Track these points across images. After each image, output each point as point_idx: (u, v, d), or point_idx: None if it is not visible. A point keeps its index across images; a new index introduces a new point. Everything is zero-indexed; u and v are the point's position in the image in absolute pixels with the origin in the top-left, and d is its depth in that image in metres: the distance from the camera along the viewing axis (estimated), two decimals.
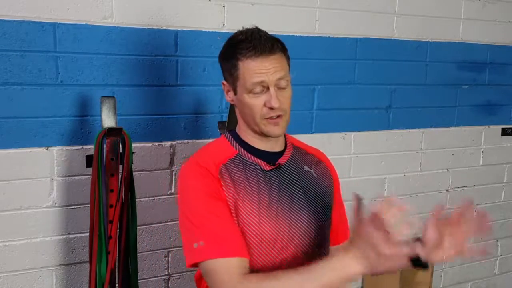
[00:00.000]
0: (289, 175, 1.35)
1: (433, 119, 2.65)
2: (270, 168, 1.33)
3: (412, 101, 2.57)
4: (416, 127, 2.62)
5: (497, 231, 3.00)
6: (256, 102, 1.27)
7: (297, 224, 1.31)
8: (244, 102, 1.29)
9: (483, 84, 2.78)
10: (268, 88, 1.26)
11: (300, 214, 1.32)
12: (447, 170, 2.76)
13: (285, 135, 1.41)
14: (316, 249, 1.34)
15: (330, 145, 2.34)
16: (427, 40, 2.56)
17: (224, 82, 1.34)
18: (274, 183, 1.32)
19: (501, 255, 3.06)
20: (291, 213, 1.30)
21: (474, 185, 2.86)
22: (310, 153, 1.45)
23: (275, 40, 1.29)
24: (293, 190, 1.33)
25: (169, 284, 2.10)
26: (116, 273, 1.70)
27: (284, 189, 1.32)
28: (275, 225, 1.28)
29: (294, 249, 1.30)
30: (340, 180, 1.49)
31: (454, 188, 2.80)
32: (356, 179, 2.46)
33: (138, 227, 1.79)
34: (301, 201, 1.33)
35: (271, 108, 1.26)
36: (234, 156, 1.34)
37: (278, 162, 1.34)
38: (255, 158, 1.33)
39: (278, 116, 1.28)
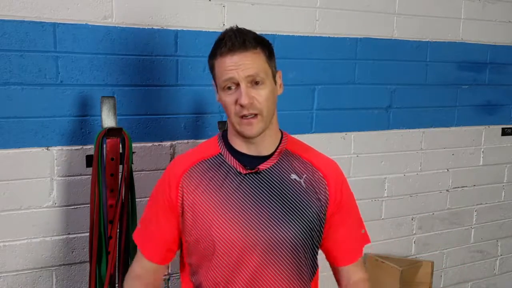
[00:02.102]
0: (268, 182, 1.30)
1: (433, 119, 2.66)
2: (247, 172, 1.30)
3: (412, 101, 2.57)
4: (416, 127, 2.62)
5: (497, 231, 3.00)
6: (229, 100, 1.25)
7: (263, 234, 1.25)
8: (221, 100, 1.28)
9: (483, 84, 2.78)
10: (239, 85, 1.23)
11: (270, 224, 1.26)
12: (447, 170, 2.76)
13: (281, 138, 1.36)
14: (281, 264, 1.27)
15: (330, 145, 2.34)
16: (427, 40, 2.56)
17: (213, 82, 1.33)
18: (248, 187, 1.29)
19: (501, 255, 3.06)
20: (260, 221, 1.26)
21: (474, 185, 2.86)
22: (306, 160, 1.37)
23: (250, 37, 1.25)
24: (269, 197, 1.29)
25: (169, 284, 2.10)
26: (116, 273, 1.70)
27: (259, 195, 1.28)
28: (234, 230, 1.25)
29: (255, 261, 1.26)
30: None
31: (454, 188, 2.80)
32: (356, 179, 2.46)
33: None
34: (275, 210, 1.28)
35: (242, 106, 1.22)
36: (215, 156, 1.34)
37: (257, 167, 1.30)
38: (234, 160, 1.31)
39: (254, 116, 1.24)
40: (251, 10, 2.11)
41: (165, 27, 1.96)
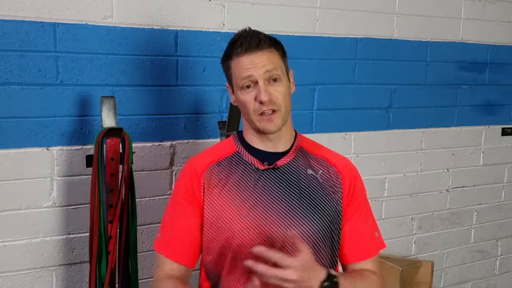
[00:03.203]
0: (286, 177, 1.32)
1: (433, 119, 2.65)
2: (265, 167, 1.32)
3: (412, 101, 2.57)
4: (416, 127, 2.62)
5: (497, 231, 3.00)
6: (248, 98, 1.27)
7: (282, 230, 1.26)
8: (239, 100, 1.30)
9: (483, 84, 2.78)
10: (257, 83, 1.26)
11: (288, 219, 1.27)
12: (447, 170, 2.76)
13: (295, 136, 1.39)
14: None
15: (330, 145, 2.32)
16: (427, 40, 2.56)
17: (227, 84, 1.36)
18: (267, 183, 1.31)
19: (501, 255, 3.06)
20: (278, 216, 1.27)
21: (474, 185, 2.86)
22: (320, 157, 1.40)
23: (264, 37, 1.29)
24: (288, 192, 1.30)
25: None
26: (116, 273, 1.70)
27: (277, 190, 1.30)
28: (253, 226, 1.26)
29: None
30: None
31: (454, 188, 2.80)
32: None
33: (138, 227, 1.79)
34: (294, 205, 1.29)
35: (261, 103, 1.25)
36: (232, 154, 1.36)
37: (275, 163, 1.33)
38: (251, 157, 1.33)
39: (273, 112, 1.27)
40: (251, 10, 2.11)
41: (165, 27, 1.96)
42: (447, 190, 2.78)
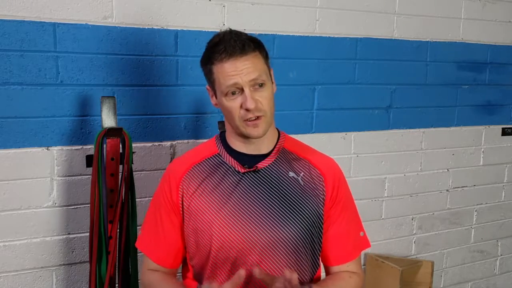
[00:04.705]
0: (266, 180, 1.31)
1: (433, 119, 2.65)
2: (245, 170, 1.31)
3: (412, 101, 2.57)
4: (416, 127, 2.62)
5: (497, 231, 3.00)
6: (233, 105, 1.25)
7: (262, 233, 1.26)
8: (223, 106, 1.28)
9: (483, 84, 2.78)
10: (243, 90, 1.23)
11: (268, 222, 1.26)
12: (447, 170, 2.76)
13: (278, 137, 1.38)
14: (281, 261, 1.27)
15: (330, 145, 2.34)
16: (427, 40, 2.56)
17: (207, 87, 1.34)
18: (247, 186, 1.29)
19: (501, 255, 3.06)
20: (258, 219, 1.27)
21: (474, 185, 2.86)
22: (303, 158, 1.37)
23: (247, 40, 1.25)
24: (268, 195, 1.29)
25: None
26: (116, 273, 1.70)
27: (257, 193, 1.29)
28: (233, 229, 1.26)
29: (254, 260, 1.26)
30: None
31: (454, 188, 2.80)
32: (356, 179, 2.46)
33: (138, 227, 1.79)
34: (274, 208, 1.28)
35: (247, 110, 1.23)
36: (213, 156, 1.35)
37: (256, 165, 1.31)
38: (232, 160, 1.32)
39: (258, 118, 1.25)
40: (251, 10, 2.11)
41: (165, 27, 1.96)
42: (447, 190, 2.78)
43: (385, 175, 2.57)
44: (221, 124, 1.94)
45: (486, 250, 2.99)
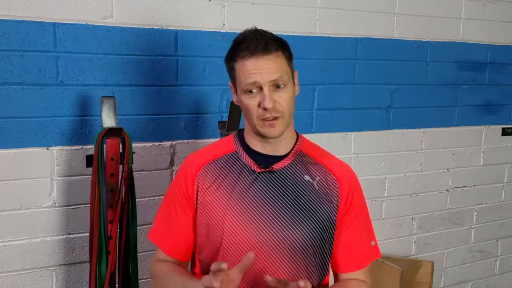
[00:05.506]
0: (281, 181, 1.31)
1: (433, 119, 2.65)
2: (261, 170, 1.31)
3: (412, 101, 2.57)
4: (416, 127, 2.62)
5: (497, 231, 3.00)
6: (252, 103, 1.25)
7: (272, 234, 1.26)
8: (242, 103, 1.29)
9: (483, 84, 2.78)
10: (262, 88, 1.23)
11: (280, 223, 1.27)
12: (447, 170, 2.76)
13: (297, 139, 1.37)
14: (289, 262, 1.27)
15: (330, 145, 2.34)
16: (427, 40, 2.56)
17: (230, 83, 1.34)
18: (260, 186, 1.30)
19: (501, 255, 3.06)
20: (270, 220, 1.27)
21: (474, 185, 2.86)
22: (320, 162, 1.37)
23: (271, 40, 1.25)
24: (282, 196, 1.29)
25: None
26: (116, 273, 1.70)
27: (271, 193, 1.29)
28: (244, 228, 1.26)
29: (263, 260, 1.26)
30: None
31: (454, 188, 2.80)
32: None
33: (138, 227, 1.79)
34: (287, 209, 1.28)
35: (265, 109, 1.23)
36: (230, 153, 1.35)
37: (271, 166, 1.31)
38: (249, 159, 1.33)
39: (275, 118, 1.25)
40: (251, 10, 2.11)
41: (165, 27, 1.96)
42: (447, 190, 2.78)
43: (385, 175, 2.57)
44: (221, 124, 1.94)
45: (486, 250, 2.99)
